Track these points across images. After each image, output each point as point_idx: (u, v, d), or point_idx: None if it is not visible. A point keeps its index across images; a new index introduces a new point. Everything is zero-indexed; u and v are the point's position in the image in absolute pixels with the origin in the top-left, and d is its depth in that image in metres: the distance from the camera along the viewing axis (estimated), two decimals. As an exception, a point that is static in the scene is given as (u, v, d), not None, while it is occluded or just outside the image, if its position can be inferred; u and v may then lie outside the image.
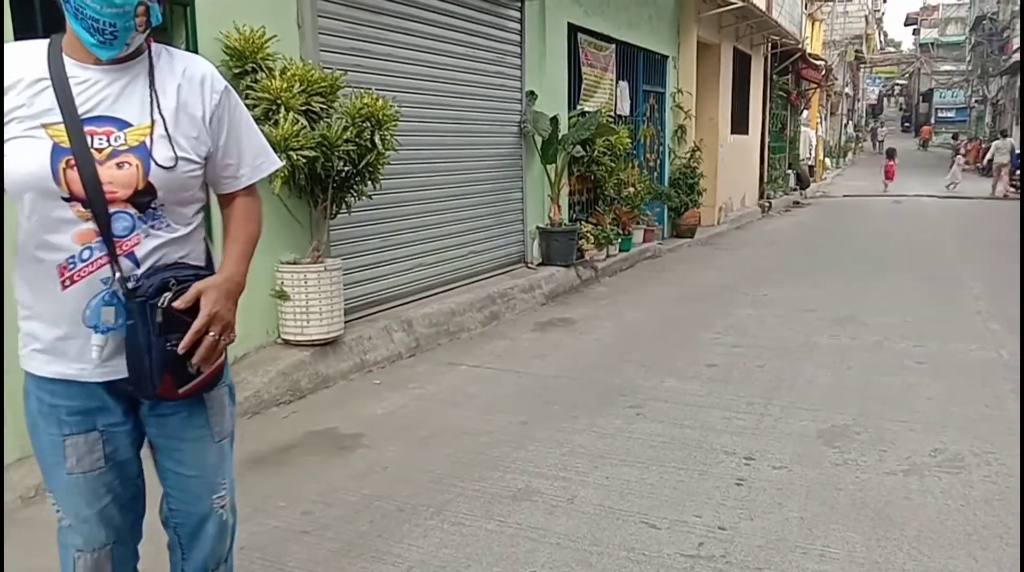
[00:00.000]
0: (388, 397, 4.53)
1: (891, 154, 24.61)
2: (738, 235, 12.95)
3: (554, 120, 7.60)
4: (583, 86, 8.82)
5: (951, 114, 51.76)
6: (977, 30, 38.81)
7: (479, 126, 6.94)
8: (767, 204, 16.96)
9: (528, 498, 3.23)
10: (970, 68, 43.19)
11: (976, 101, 41.86)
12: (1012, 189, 20.35)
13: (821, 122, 28.71)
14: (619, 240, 9.07)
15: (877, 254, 10.53)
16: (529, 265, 7.69)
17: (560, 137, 7.72)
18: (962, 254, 10.35)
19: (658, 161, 11.42)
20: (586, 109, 8.75)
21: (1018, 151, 25.40)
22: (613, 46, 9.60)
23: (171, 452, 1.79)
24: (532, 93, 7.58)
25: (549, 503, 3.18)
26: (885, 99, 73.64)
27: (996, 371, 5.01)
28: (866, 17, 36.63)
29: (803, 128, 22.67)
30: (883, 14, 59.62)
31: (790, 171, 20.60)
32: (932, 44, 55.03)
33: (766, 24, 14.44)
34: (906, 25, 65.31)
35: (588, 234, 8.67)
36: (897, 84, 72.70)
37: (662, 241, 10.77)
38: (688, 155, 11.68)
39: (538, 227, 7.85)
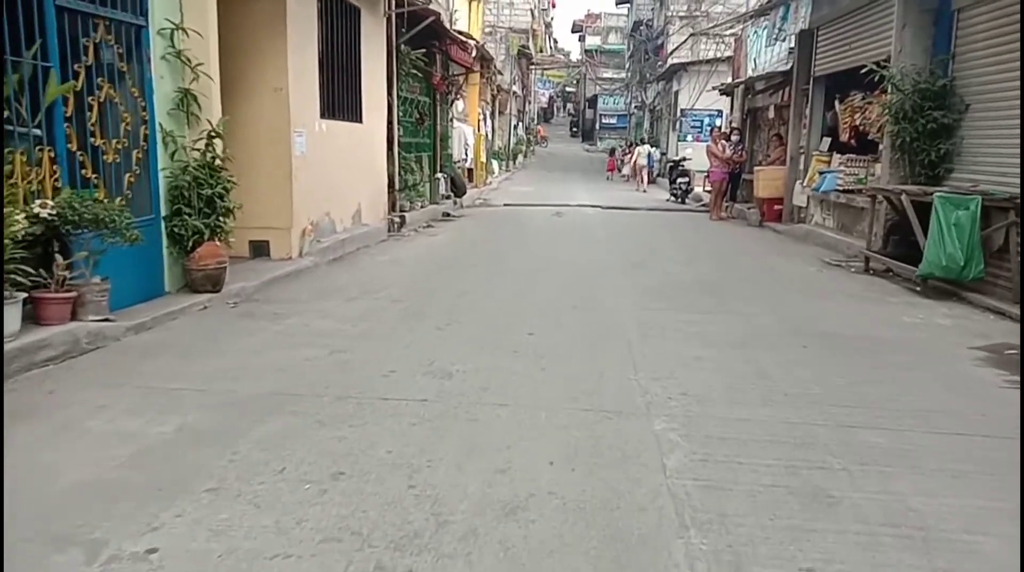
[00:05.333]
0: None
1: (612, 152, 33.51)
2: (322, 277, 8.12)
3: None
4: None
5: (613, 120, 53.21)
6: (635, 35, 38.98)
7: None
8: (398, 219, 12.50)
9: None
10: (629, 75, 43.88)
11: (636, 107, 42.51)
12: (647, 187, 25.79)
13: (485, 119, 25.49)
14: None
15: (521, 312, 6.33)
16: None
17: None
18: (628, 293, 6.54)
19: (142, 154, 6.13)
20: None
21: (657, 157, 26.05)
22: None
23: None
24: None
25: None
26: (556, 105, 75.80)
27: None
28: (532, 11, 34.70)
29: (457, 123, 18.82)
30: (552, 19, 60.40)
31: (441, 175, 16.51)
32: (596, 51, 56.37)
33: (370, -43, 9.86)
34: (573, 32, 67.15)
35: None
36: (567, 90, 75.21)
37: (117, 313, 5.51)
38: (203, 145, 6.52)
39: None
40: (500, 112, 32.25)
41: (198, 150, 6.49)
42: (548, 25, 59.51)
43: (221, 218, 6.53)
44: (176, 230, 6.35)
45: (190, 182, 6.38)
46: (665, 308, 6.79)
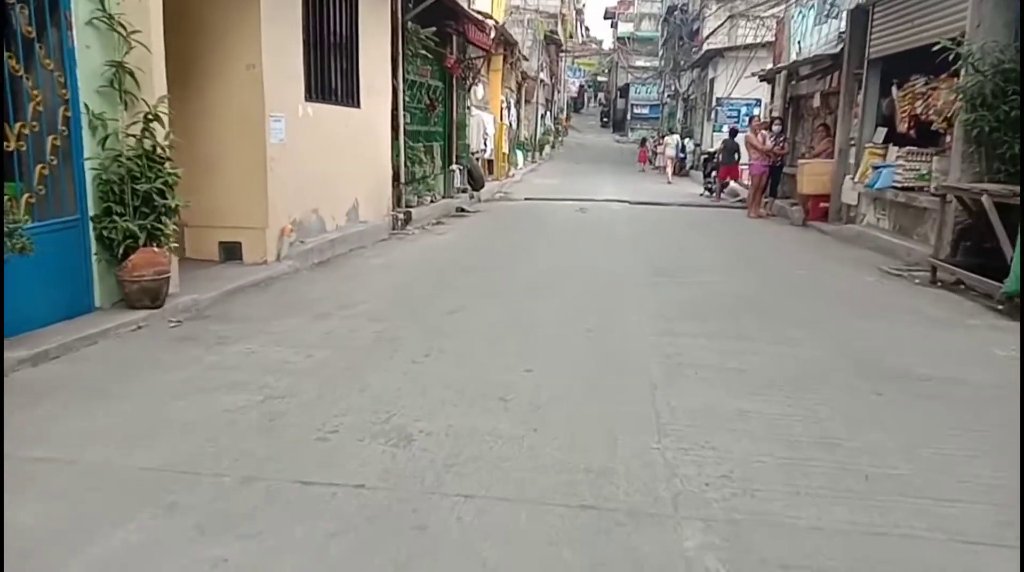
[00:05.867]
0: None
1: (643, 143, 32.48)
2: (296, 287, 7.00)
3: None
4: None
5: (646, 110, 51.57)
6: (669, 20, 37.42)
7: None
8: (403, 216, 11.36)
9: None
10: (662, 63, 42.29)
11: (669, 96, 40.94)
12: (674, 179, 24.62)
13: (509, 107, 24.24)
14: None
15: (523, 337, 5.16)
16: None
17: None
18: (653, 311, 5.30)
19: (62, 141, 5.04)
20: None
21: (691, 148, 25.16)
22: None
23: None
24: None
25: None
26: (587, 95, 74.12)
27: None
28: (561, -5, 33.35)
29: (475, 111, 17.62)
30: (584, 5, 58.85)
31: (456, 167, 15.34)
32: (628, 38, 54.68)
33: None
34: (605, 19, 65.44)
35: None
36: (598, 79, 73.54)
37: (26, 337, 4.45)
38: (140, 130, 5.41)
39: None
40: (526, 101, 30.96)
41: (134, 136, 5.38)
42: (579, 12, 57.96)
43: (162, 218, 5.43)
44: (106, 234, 5.26)
45: (124, 175, 5.28)
46: (697, 333, 5.56)
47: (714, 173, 19.76)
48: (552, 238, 11.11)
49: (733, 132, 20.25)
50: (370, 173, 10.38)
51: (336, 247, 8.72)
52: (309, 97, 8.36)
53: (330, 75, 8.98)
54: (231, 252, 7.49)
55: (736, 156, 18.96)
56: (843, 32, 13.40)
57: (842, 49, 13.25)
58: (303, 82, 8.17)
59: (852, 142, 12.85)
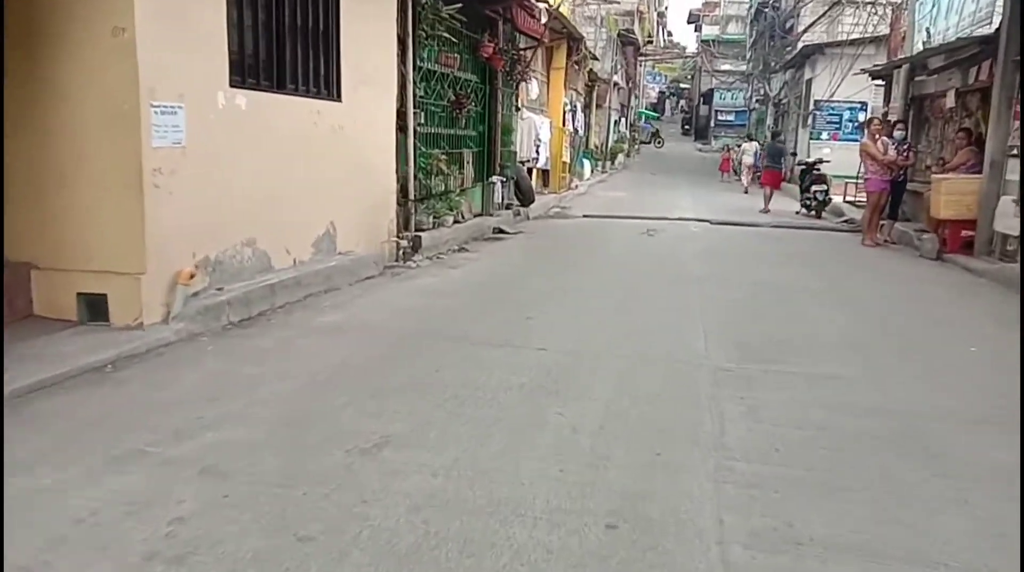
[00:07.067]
0: None
1: (727, 149, 30.02)
2: (176, 367, 4.42)
3: None
4: None
5: (731, 117, 47.87)
6: (760, 16, 33.91)
7: None
8: (409, 243, 8.74)
9: None
10: (750, 65, 38.69)
11: (757, 101, 37.29)
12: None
13: (575, 112, 21.45)
14: None
15: (471, 547, 2.39)
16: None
17: None
18: (737, 463, 2.48)
19: None
20: None
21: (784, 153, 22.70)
22: None
23: None
24: None
25: None
26: (669, 103, 70.61)
27: None
28: (638, -10, 30.38)
29: (527, 113, 14.90)
30: (666, 8, 55.76)
31: (497, 179, 12.67)
32: (713, 41, 51.11)
33: None
34: (689, 22, 61.87)
35: None
36: (680, 86, 69.98)
37: None
38: None
39: None
40: (597, 105, 28.10)
41: None
42: (661, 15, 54.70)
43: None
44: None
45: None
46: (836, 541, 2.68)
47: (813, 186, 16.52)
48: (598, 279, 8.28)
49: (775, 134, 20.99)
50: (357, 188, 7.80)
51: (279, 295, 6.13)
52: (241, 81, 5.81)
53: (285, 51, 6.43)
54: (95, 309, 4.99)
55: (783, 159, 18.28)
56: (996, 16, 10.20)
57: (1000, 27, 10.01)
58: (226, 58, 5.62)
59: (1012, 152, 9.60)
